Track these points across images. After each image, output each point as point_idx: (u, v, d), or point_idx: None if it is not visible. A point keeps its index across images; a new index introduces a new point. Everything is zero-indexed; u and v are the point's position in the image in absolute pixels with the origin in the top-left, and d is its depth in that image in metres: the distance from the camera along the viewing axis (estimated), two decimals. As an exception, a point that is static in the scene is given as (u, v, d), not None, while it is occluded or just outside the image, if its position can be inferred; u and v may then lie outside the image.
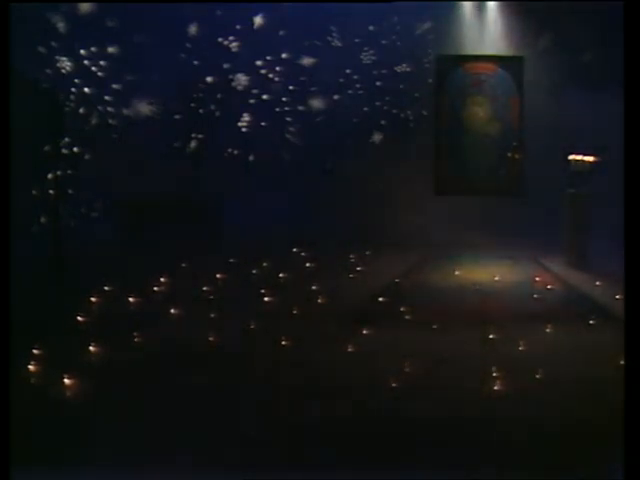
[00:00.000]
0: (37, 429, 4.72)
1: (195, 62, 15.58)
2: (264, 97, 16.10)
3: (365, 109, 16.31)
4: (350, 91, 16.29)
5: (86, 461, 4.29)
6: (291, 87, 16.13)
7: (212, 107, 16.08)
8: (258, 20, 15.80)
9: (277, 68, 16.08)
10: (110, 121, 15.57)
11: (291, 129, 16.27)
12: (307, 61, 16.04)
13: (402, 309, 8.39)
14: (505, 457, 4.33)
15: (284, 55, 16.01)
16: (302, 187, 15.40)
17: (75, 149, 14.79)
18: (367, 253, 12.99)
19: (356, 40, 16.02)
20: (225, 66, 15.91)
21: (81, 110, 15.22)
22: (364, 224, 14.70)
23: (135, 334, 7.16)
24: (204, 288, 9.68)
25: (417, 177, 16.10)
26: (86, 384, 5.73)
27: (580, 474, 4.04)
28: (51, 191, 12.44)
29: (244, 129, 16.19)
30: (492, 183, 15.95)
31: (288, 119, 16.21)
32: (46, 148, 12.69)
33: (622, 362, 5.07)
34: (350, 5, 15.14)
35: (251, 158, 16.05)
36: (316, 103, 16.19)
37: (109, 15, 14.88)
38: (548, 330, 7.51)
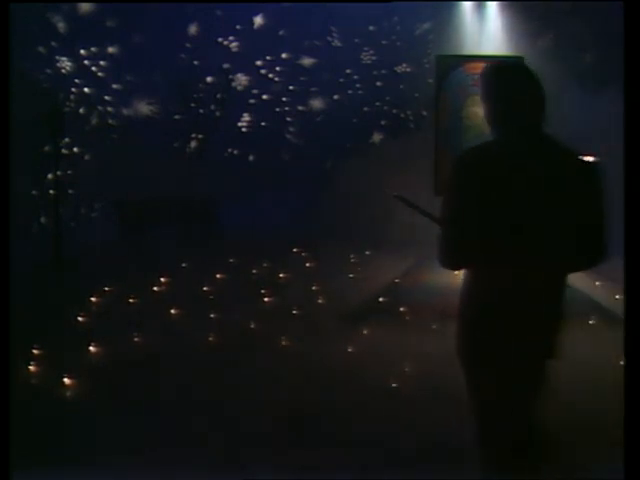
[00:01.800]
0: (37, 429, 4.72)
1: (195, 62, 15.59)
2: (264, 97, 16.11)
3: (365, 109, 16.32)
4: (350, 91, 16.29)
5: (86, 461, 4.29)
6: (291, 87, 16.14)
7: (212, 107, 16.09)
8: (258, 20, 15.81)
9: (277, 68, 16.09)
10: (110, 121, 15.58)
11: (291, 129, 16.27)
12: (307, 61, 16.04)
13: (402, 309, 8.38)
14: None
15: (284, 55, 16.03)
16: (302, 187, 15.40)
17: (75, 149, 14.80)
18: (367, 253, 12.99)
19: (356, 40, 16.02)
20: (225, 66, 15.92)
21: (81, 110, 15.23)
22: (364, 224, 14.71)
23: (135, 334, 7.17)
24: (204, 288, 9.68)
25: (417, 177, 16.09)
26: (86, 384, 5.73)
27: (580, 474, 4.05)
28: (51, 191, 12.44)
29: (244, 129, 16.20)
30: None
31: (288, 119, 16.22)
32: (46, 148, 12.69)
33: (622, 362, 5.07)
34: (350, 5, 15.14)
35: (251, 158, 16.05)
36: (316, 103, 16.20)
37: (109, 15, 14.89)
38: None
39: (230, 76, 16.03)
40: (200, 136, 16.10)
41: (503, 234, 2.98)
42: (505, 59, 3.11)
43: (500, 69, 3.16)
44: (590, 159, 3.13)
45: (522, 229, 2.97)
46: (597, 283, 10.22)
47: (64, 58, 15.08)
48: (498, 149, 3.07)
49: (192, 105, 15.95)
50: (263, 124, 16.06)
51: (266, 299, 9.11)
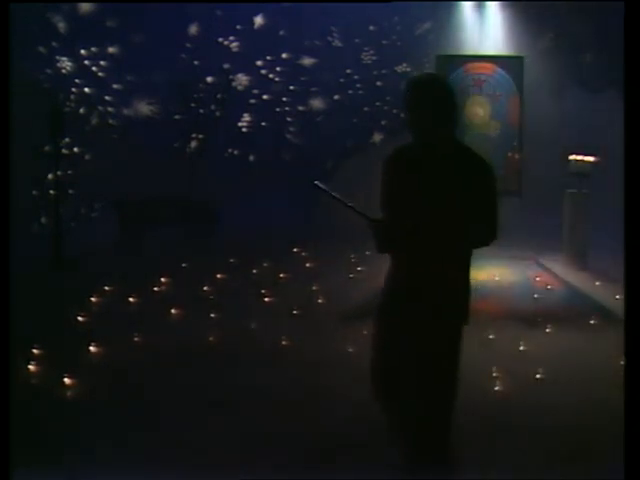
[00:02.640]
0: (37, 429, 4.72)
1: (195, 62, 15.59)
2: (264, 97, 16.12)
3: (365, 109, 16.33)
4: (350, 91, 16.30)
5: (86, 461, 4.29)
6: (291, 87, 16.15)
7: (212, 107, 16.08)
8: (258, 20, 15.82)
9: (277, 68, 16.09)
10: (110, 121, 15.58)
11: (291, 129, 16.28)
12: (307, 61, 16.05)
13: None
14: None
15: (284, 55, 16.03)
16: (302, 187, 15.41)
17: (75, 149, 14.80)
18: (367, 253, 12.99)
19: (356, 40, 16.03)
20: (225, 66, 15.92)
21: (81, 110, 15.23)
22: (364, 224, 14.71)
23: (135, 334, 7.16)
24: (204, 288, 9.68)
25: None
26: (86, 384, 5.73)
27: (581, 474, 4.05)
28: (51, 191, 12.44)
29: (244, 129, 16.20)
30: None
31: (288, 119, 16.23)
32: (46, 148, 12.69)
33: (622, 362, 5.07)
34: (350, 5, 15.14)
35: (251, 158, 16.07)
36: (316, 103, 16.21)
37: (109, 15, 14.89)
38: (548, 330, 7.51)
39: (230, 76, 16.02)
40: (200, 136, 16.10)
41: (416, 221, 3.52)
42: (421, 74, 3.83)
43: (414, 82, 3.65)
44: (485, 158, 3.65)
45: (431, 216, 3.50)
46: (597, 283, 10.23)
47: (64, 58, 15.07)
48: (412, 150, 3.65)
49: (192, 105, 15.95)
50: (263, 124, 16.07)
51: (266, 299, 9.10)
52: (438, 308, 3.54)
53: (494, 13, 16.05)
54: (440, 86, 3.58)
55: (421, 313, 3.55)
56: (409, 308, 3.57)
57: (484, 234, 3.65)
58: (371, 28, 15.96)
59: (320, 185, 3.84)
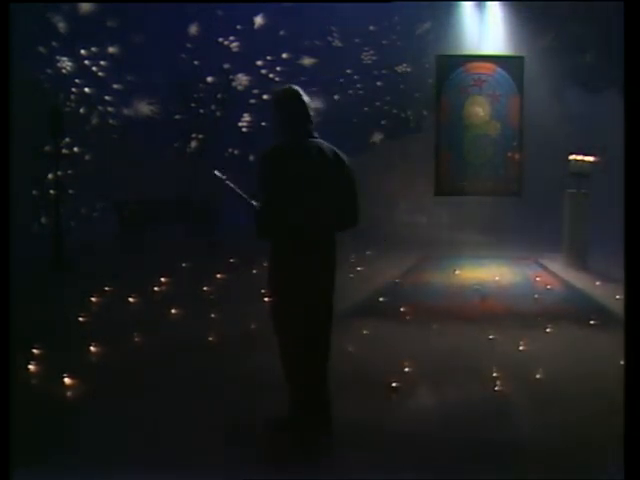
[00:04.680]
0: (37, 429, 4.72)
1: (195, 62, 15.60)
2: (264, 97, 16.13)
3: (365, 109, 16.33)
4: (350, 91, 16.31)
5: (86, 461, 4.29)
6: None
7: (212, 107, 16.09)
8: (258, 20, 15.82)
9: (277, 68, 16.10)
10: (110, 121, 15.59)
11: (291, 129, 16.30)
12: (307, 61, 16.06)
13: (402, 309, 8.38)
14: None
15: (284, 55, 16.04)
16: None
17: (75, 149, 14.80)
18: (367, 253, 12.99)
19: (356, 40, 16.04)
20: (225, 66, 15.93)
21: (81, 110, 15.24)
22: (364, 224, 14.70)
23: (135, 334, 7.16)
24: (204, 288, 9.69)
25: (417, 177, 16.11)
26: (86, 384, 5.73)
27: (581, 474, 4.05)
28: (51, 191, 12.45)
29: (244, 129, 16.21)
30: (492, 183, 15.94)
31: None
32: (46, 148, 12.69)
33: (622, 362, 5.07)
34: (350, 5, 15.15)
35: (251, 158, 16.07)
36: (316, 103, 16.22)
37: (109, 15, 14.90)
38: (548, 330, 7.51)
39: (230, 76, 16.04)
40: (200, 136, 16.10)
41: (289, 209, 4.34)
42: (282, 87, 4.87)
43: (276, 95, 4.69)
44: (342, 153, 4.55)
45: (300, 203, 4.32)
46: (597, 283, 10.23)
47: (64, 58, 15.09)
48: (281, 149, 4.46)
49: (192, 105, 15.96)
50: (263, 124, 16.07)
51: (266, 299, 9.09)
52: (312, 280, 4.41)
53: (494, 13, 16.05)
54: (301, 97, 4.58)
55: (298, 283, 4.43)
56: (290, 280, 4.47)
57: (342, 218, 4.47)
58: (371, 28, 15.97)
59: (218, 174, 4.78)
